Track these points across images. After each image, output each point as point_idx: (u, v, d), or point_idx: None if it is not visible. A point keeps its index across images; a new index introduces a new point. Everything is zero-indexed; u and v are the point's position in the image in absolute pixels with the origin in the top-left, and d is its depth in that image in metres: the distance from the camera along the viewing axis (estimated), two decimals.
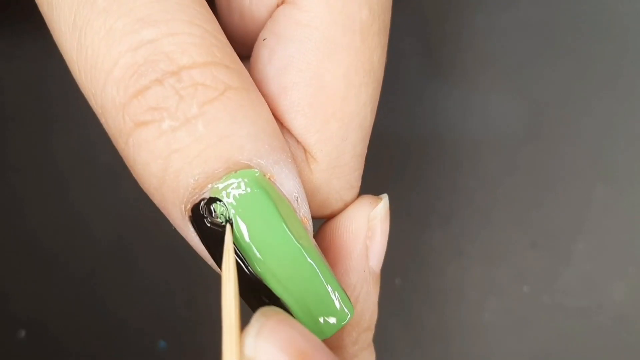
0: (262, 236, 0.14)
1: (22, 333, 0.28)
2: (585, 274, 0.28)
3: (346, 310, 0.15)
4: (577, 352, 0.28)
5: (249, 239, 0.14)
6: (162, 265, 0.29)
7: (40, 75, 0.29)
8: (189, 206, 0.14)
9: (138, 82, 0.13)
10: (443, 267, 0.29)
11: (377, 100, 0.17)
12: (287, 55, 0.16)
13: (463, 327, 0.29)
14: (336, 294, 0.15)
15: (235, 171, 0.14)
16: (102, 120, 0.15)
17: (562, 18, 0.30)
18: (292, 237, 0.14)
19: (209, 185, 0.14)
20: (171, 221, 0.15)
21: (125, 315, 0.29)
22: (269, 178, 0.14)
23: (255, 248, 0.14)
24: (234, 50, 0.15)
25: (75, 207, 0.29)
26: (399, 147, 0.29)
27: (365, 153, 0.18)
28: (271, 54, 0.16)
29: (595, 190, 0.29)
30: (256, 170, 0.14)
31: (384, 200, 0.18)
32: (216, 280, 0.29)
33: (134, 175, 0.15)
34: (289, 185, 0.15)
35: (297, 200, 0.15)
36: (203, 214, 0.14)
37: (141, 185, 0.15)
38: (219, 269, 0.15)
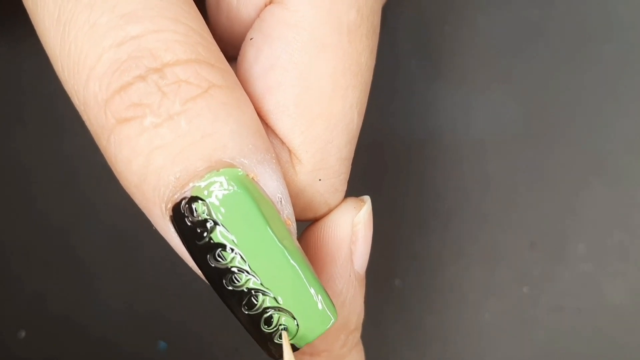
0: (244, 237, 0.14)
1: (22, 333, 0.28)
2: (584, 274, 0.28)
3: (329, 313, 0.15)
4: (577, 353, 0.28)
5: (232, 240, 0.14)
6: (161, 266, 0.29)
7: (39, 73, 0.29)
8: (170, 205, 0.14)
9: (121, 78, 0.13)
10: (443, 268, 0.29)
11: (365, 104, 0.17)
12: (273, 55, 0.16)
13: (463, 328, 0.29)
14: (319, 297, 0.15)
15: (218, 170, 0.14)
16: (85, 118, 0.15)
17: (562, 18, 0.30)
18: (275, 238, 0.14)
19: (191, 184, 0.14)
20: (151, 221, 0.15)
21: (125, 316, 0.29)
22: (252, 178, 0.14)
23: (238, 250, 0.14)
24: (219, 49, 0.15)
25: (74, 208, 0.29)
26: (399, 147, 0.29)
27: (352, 157, 0.18)
28: (257, 53, 0.16)
29: (595, 191, 0.29)
30: (239, 169, 0.14)
31: (367, 203, 0.18)
32: None
33: (115, 174, 0.15)
34: (272, 186, 0.15)
35: (280, 202, 0.15)
36: (184, 214, 0.14)
37: (122, 184, 0.15)
38: (198, 270, 0.15)
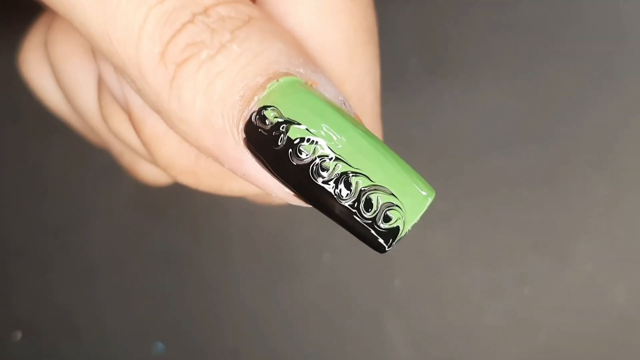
0: (318, 126, 0.14)
1: (19, 335, 0.28)
2: (587, 275, 0.28)
3: (424, 187, 0.14)
4: (579, 354, 0.28)
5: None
6: (159, 267, 0.29)
7: None
8: (242, 126, 0.14)
9: (171, 27, 0.14)
10: (443, 269, 0.29)
11: (379, 58, 0.18)
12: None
13: (463, 329, 0.28)
14: (408, 173, 0.15)
15: (277, 79, 0.14)
16: (140, 85, 0.15)
17: (563, 16, 0.29)
18: (349, 121, 0.14)
19: (255, 98, 0.14)
20: (224, 161, 0.15)
21: (123, 316, 0.28)
22: (311, 85, 0.15)
23: (317, 138, 0.14)
24: None
25: (72, 208, 0.29)
26: (398, 146, 0.29)
27: (380, 114, 0.18)
28: None
29: (598, 191, 0.29)
30: (297, 76, 0.15)
31: None
32: (213, 281, 0.29)
33: (180, 129, 0.15)
34: (332, 91, 0.15)
35: (344, 104, 0.15)
36: (257, 125, 0.14)
37: (189, 138, 0.15)
38: (282, 192, 0.15)
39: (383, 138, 0.18)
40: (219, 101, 0.14)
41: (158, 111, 0.15)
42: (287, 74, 0.14)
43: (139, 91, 0.15)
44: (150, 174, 0.22)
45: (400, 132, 0.29)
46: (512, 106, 0.29)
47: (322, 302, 0.29)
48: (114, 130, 0.20)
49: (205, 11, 0.14)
